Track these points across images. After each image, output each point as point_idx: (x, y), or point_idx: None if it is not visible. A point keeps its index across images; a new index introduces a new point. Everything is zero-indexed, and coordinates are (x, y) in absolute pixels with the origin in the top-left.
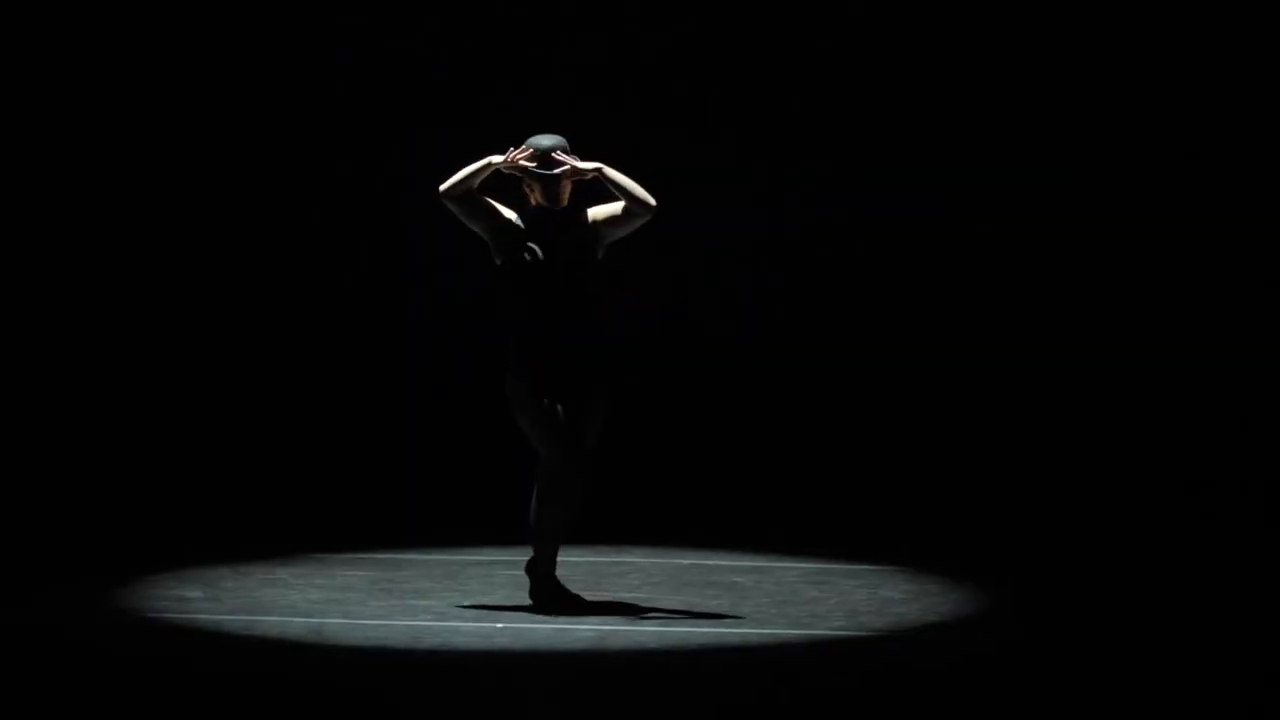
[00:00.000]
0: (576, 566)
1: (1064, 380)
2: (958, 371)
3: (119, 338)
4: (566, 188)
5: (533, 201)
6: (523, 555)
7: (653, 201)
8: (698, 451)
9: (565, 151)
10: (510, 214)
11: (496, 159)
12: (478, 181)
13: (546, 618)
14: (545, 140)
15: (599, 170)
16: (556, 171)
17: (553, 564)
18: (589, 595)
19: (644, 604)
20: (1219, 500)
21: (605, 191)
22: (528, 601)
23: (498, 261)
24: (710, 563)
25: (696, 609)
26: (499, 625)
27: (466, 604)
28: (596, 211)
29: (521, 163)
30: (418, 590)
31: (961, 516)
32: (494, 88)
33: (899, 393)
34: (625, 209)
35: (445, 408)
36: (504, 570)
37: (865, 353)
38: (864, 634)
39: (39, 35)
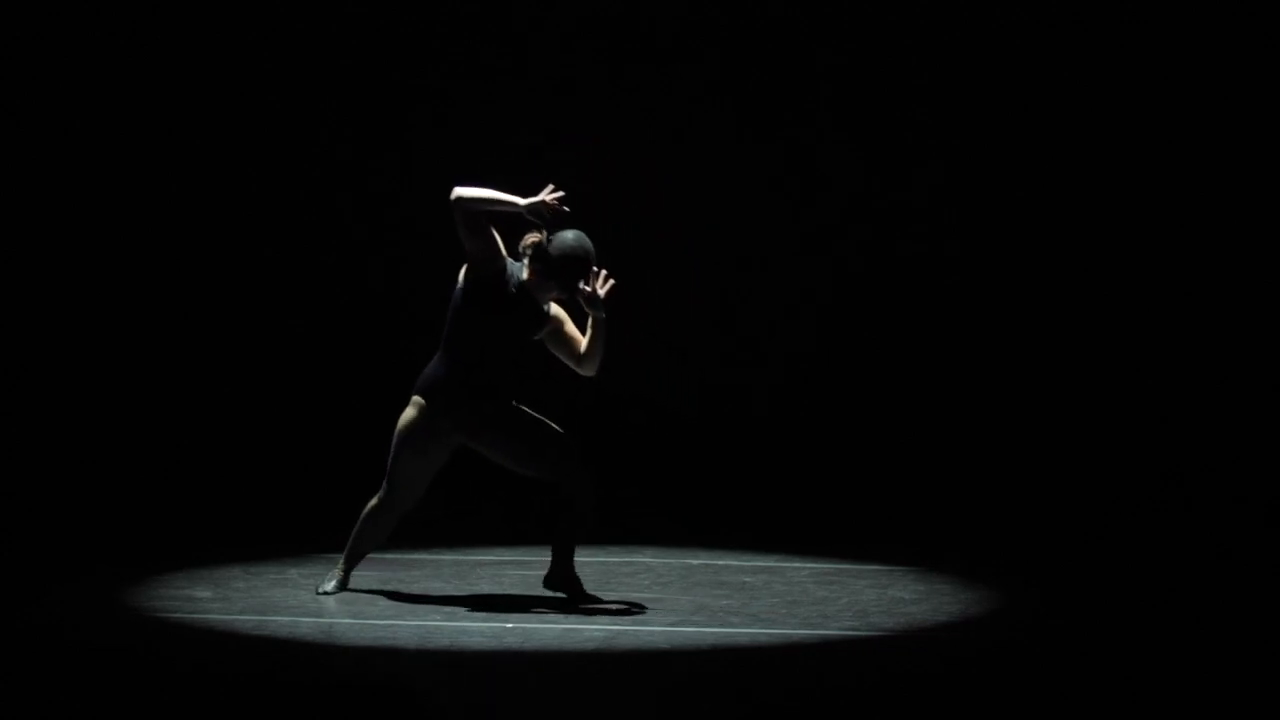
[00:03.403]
0: (587, 566)
1: (1075, 379)
2: (968, 371)
3: (130, 337)
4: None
5: (527, 272)
6: (533, 555)
7: (594, 373)
8: (708, 452)
9: (593, 261)
10: (504, 255)
11: (523, 202)
12: (494, 210)
13: (555, 618)
14: (573, 240)
15: (602, 319)
16: (576, 289)
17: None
18: (599, 595)
19: (654, 604)
20: (1229, 498)
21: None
22: (536, 599)
23: (464, 281)
24: (720, 563)
25: (706, 609)
26: (508, 625)
27: (476, 604)
28: (565, 326)
29: (541, 242)
30: (427, 590)
31: (972, 516)
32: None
33: (909, 392)
34: (578, 355)
35: None
36: (514, 570)
37: (875, 352)
38: (874, 634)
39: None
